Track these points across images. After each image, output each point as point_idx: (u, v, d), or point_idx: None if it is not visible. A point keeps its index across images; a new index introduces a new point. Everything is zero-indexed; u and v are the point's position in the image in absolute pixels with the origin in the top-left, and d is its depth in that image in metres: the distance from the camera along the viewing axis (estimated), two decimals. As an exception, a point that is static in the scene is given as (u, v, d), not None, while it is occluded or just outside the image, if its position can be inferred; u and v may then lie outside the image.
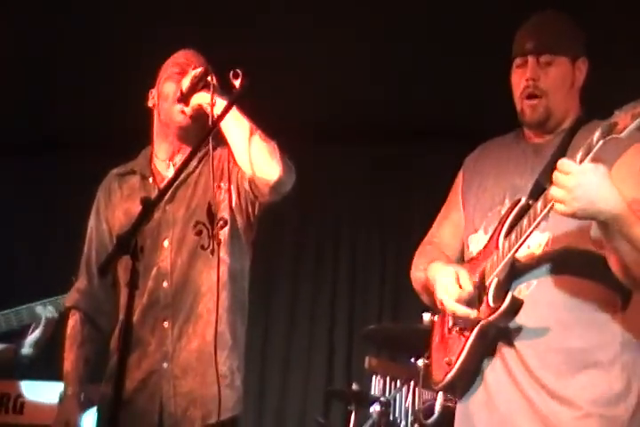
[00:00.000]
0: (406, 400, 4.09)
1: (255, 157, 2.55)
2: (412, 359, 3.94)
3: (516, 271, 2.13)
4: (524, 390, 2.11)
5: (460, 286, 2.14)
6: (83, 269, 2.80)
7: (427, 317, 3.63)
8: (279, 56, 4.63)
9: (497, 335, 2.13)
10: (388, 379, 4.27)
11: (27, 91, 5.23)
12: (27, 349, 3.27)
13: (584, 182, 1.89)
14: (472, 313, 2.12)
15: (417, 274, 2.39)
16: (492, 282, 2.11)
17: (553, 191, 1.92)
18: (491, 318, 2.08)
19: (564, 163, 1.92)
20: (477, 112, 4.83)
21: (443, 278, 2.19)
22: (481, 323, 2.11)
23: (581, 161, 1.92)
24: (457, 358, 2.17)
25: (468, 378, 2.20)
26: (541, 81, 2.22)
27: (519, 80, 2.26)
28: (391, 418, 4.03)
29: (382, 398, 4.03)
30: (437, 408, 3.58)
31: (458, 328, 2.20)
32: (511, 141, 2.37)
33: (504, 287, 2.09)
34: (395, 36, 4.64)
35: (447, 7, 4.39)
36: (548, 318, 2.12)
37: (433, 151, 5.51)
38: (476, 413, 2.19)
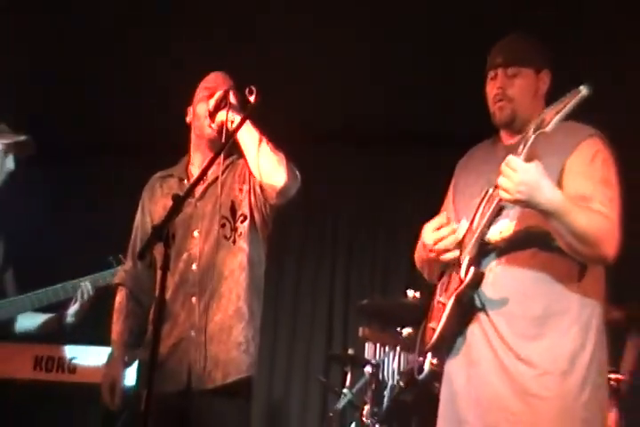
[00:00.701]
0: (393, 363, 4.74)
1: (264, 166, 3.09)
2: (398, 329, 4.62)
3: (489, 251, 2.60)
4: (497, 353, 2.55)
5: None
6: (129, 253, 3.42)
7: (410, 293, 4.36)
8: (279, 56, 4.64)
9: (474, 306, 2.60)
10: (378, 345, 4.89)
11: (26, 91, 5.23)
12: (69, 318, 3.76)
13: (527, 180, 2.35)
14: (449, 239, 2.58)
15: (416, 254, 2.88)
16: (465, 259, 2.58)
17: (500, 180, 2.41)
18: (460, 288, 2.56)
19: (511, 159, 2.40)
20: (477, 113, 4.82)
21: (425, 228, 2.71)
22: (455, 293, 2.58)
23: (520, 153, 2.42)
24: (438, 324, 2.64)
25: (449, 340, 2.67)
26: (508, 89, 2.71)
27: (491, 89, 2.77)
28: (381, 378, 4.69)
29: (373, 361, 4.71)
30: (426, 367, 4.12)
31: (442, 298, 2.66)
32: (491, 145, 2.87)
33: (473, 263, 2.57)
34: (395, 36, 4.69)
35: (447, 7, 4.44)
36: (515, 289, 2.56)
37: (433, 152, 5.58)
38: (458, 369, 2.66)
